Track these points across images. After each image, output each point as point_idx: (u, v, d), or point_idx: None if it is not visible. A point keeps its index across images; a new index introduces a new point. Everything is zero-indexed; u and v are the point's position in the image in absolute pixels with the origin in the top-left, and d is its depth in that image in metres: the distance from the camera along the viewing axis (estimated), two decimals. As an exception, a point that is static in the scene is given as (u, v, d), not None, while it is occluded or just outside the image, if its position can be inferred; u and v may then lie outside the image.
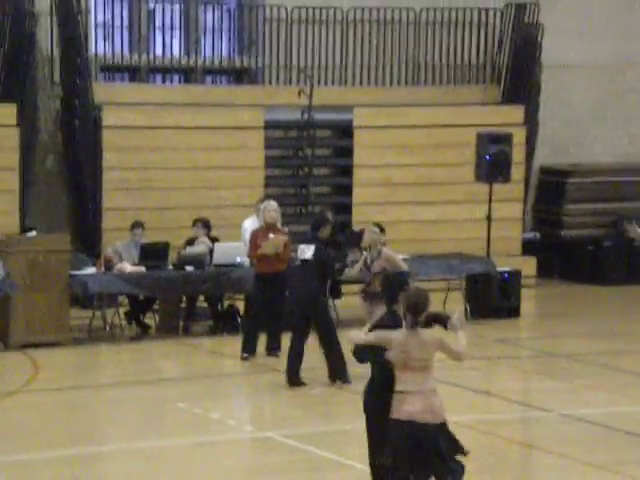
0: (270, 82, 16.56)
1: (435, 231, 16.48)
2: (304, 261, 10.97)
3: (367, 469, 6.84)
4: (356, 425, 8.70)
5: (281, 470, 8.07)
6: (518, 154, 15.83)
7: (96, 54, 15.57)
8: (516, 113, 16.77)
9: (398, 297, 6.65)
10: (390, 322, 6.63)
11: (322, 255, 10.93)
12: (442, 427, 6.59)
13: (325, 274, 11.03)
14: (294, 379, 10.54)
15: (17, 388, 10.52)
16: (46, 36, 15.00)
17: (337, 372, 10.54)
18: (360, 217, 16.15)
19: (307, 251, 10.94)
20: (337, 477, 8.07)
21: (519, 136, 16.07)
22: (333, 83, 16.75)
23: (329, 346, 10.61)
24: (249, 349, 11.88)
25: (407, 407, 6.43)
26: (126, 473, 8.15)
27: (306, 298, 10.80)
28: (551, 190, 17.55)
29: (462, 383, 10.83)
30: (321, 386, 10.60)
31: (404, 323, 6.55)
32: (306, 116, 16.03)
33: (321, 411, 9.95)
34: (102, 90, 15.30)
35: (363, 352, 6.66)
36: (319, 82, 16.46)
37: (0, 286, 11.89)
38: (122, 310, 13.33)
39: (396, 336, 6.48)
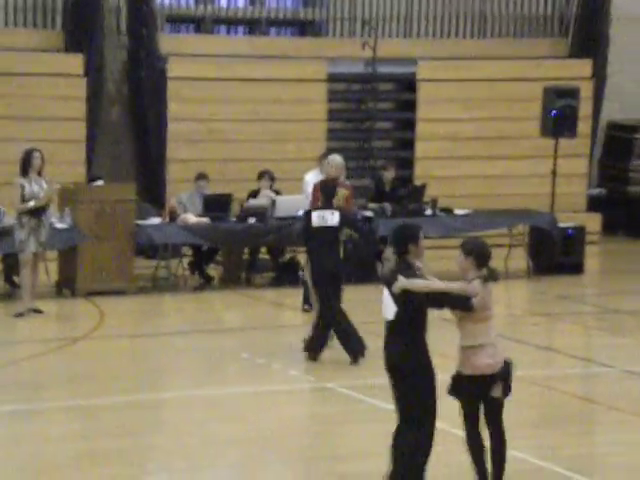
0: (334, 34, 16.47)
1: (499, 186, 16.35)
2: (328, 227, 10.18)
3: (440, 424, 6.83)
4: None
5: (342, 420, 8.15)
6: (585, 109, 15.58)
7: (162, 5, 15.62)
8: (584, 67, 16.49)
9: (409, 248, 6.45)
10: (414, 274, 6.45)
11: (348, 219, 10.42)
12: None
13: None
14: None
15: (83, 335, 10.74)
16: (113, -14, 15.09)
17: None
18: (422, 172, 16.08)
19: (330, 217, 10.19)
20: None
21: (586, 90, 15.81)
22: (397, 35, 16.61)
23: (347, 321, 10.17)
24: (310, 301, 11.95)
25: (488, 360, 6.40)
26: (188, 420, 8.29)
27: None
28: (618, 146, 17.27)
29: (524, 339, 10.81)
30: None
31: (473, 274, 6.43)
32: (369, 69, 15.94)
33: (381, 363, 9.98)
34: (167, 41, 15.36)
35: (451, 298, 6.39)
36: (383, 34, 16.33)
37: (69, 235, 12.09)
38: (185, 260, 13.50)
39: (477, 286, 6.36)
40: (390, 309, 6.49)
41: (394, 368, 6.49)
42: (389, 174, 14.07)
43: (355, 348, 9.77)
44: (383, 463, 6.77)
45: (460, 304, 6.44)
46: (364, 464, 7.23)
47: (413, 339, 6.41)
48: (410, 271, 6.47)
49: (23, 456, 7.34)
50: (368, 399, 8.53)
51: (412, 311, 6.41)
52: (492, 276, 6.46)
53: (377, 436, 7.48)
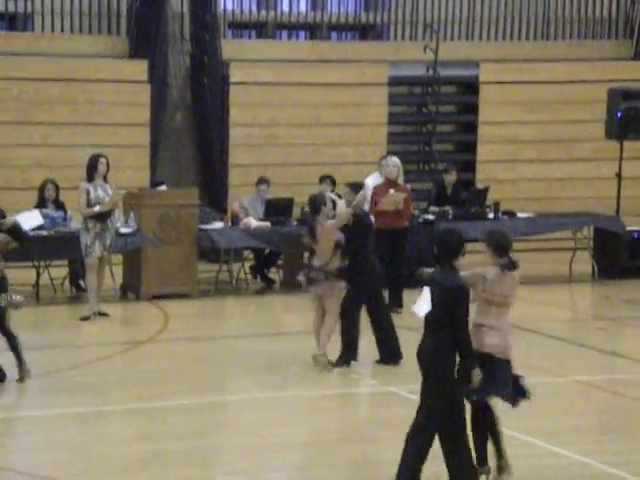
0: (395, 38, 16.48)
1: (562, 189, 16.22)
2: None
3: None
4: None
5: (405, 424, 8.13)
6: (650, 111, 15.36)
7: (225, 10, 15.75)
8: (649, 68, 16.29)
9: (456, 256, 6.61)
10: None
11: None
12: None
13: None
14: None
15: (148, 338, 10.86)
16: (176, -7, 15.25)
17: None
18: (484, 175, 16.00)
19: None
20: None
21: (652, 92, 15.58)
22: (459, 38, 16.55)
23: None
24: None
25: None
26: (251, 422, 8.34)
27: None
28: (685, 148, 16.99)
29: (588, 343, 10.69)
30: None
31: (493, 263, 6.65)
32: (431, 72, 15.90)
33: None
34: (230, 47, 15.49)
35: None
36: (445, 37, 16.28)
37: (133, 239, 12.25)
38: (247, 264, 13.58)
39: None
40: (422, 309, 6.66)
41: (427, 367, 6.62)
42: (451, 177, 14.02)
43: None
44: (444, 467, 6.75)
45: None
46: (426, 467, 7.21)
47: (445, 338, 6.53)
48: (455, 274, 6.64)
49: (89, 458, 7.44)
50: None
51: (450, 316, 6.55)
52: (507, 265, 6.73)
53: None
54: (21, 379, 8.91)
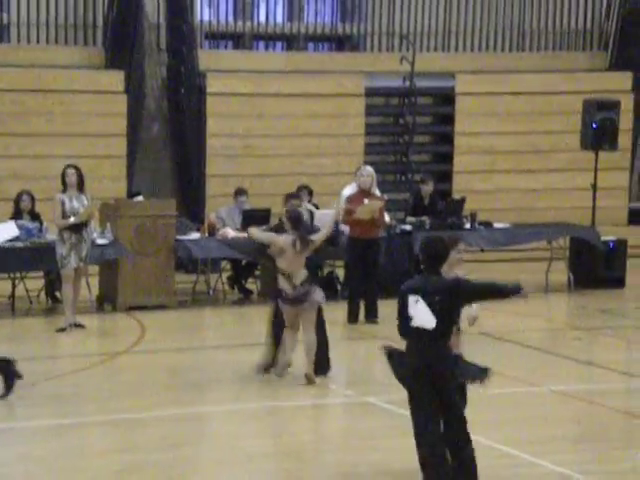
0: (372, 49, 16.54)
1: (539, 200, 16.31)
2: None
3: (473, 436, 6.84)
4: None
5: (382, 435, 8.13)
6: (626, 122, 15.51)
7: (201, 21, 15.76)
8: (624, 80, 16.43)
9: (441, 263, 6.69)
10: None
11: None
12: None
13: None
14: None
15: (124, 349, 10.81)
16: (153, 3, 15.24)
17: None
18: (461, 185, 16.08)
19: None
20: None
21: (627, 103, 15.75)
22: (435, 49, 16.65)
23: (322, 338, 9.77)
24: (351, 318, 11.98)
25: None
26: (228, 433, 8.33)
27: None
28: (659, 159, 17.16)
29: (564, 353, 10.74)
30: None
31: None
32: (407, 83, 15.97)
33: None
34: (206, 57, 15.51)
35: None
36: (421, 48, 16.37)
37: (110, 250, 12.21)
38: (225, 275, 13.56)
39: None
40: (429, 319, 6.55)
41: (441, 375, 6.60)
42: (428, 188, 14.07)
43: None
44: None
45: None
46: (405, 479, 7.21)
47: (448, 346, 6.64)
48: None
49: (65, 470, 7.40)
50: (408, 414, 8.50)
51: (452, 319, 6.64)
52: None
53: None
54: None
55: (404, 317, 6.70)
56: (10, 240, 11.81)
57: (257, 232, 9.91)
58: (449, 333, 6.62)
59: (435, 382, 6.60)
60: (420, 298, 6.59)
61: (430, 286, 6.59)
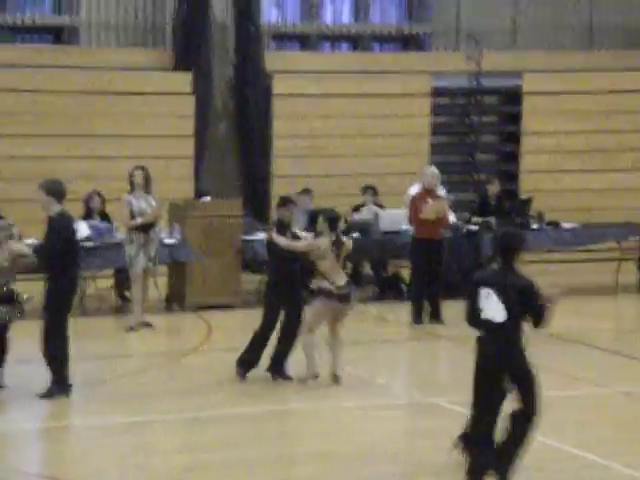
0: (438, 48, 16.47)
1: (606, 199, 16.09)
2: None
3: (541, 438, 6.82)
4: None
5: (446, 435, 8.11)
6: (695, 120, 15.23)
7: (268, 22, 15.85)
8: (695, 78, 16.13)
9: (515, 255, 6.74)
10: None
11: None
12: None
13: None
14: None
15: (192, 348, 10.94)
16: (220, 5, 15.37)
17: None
18: (528, 185, 15.94)
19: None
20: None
21: (697, 102, 15.45)
22: (502, 48, 16.51)
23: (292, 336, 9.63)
24: (416, 318, 11.96)
25: None
26: (292, 432, 8.38)
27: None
28: None
29: (634, 354, 10.60)
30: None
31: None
32: (474, 82, 15.88)
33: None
34: (273, 58, 15.59)
35: None
36: (488, 47, 16.25)
37: (178, 251, 12.34)
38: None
39: None
40: (499, 313, 6.56)
41: (514, 368, 6.65)
42: (494, 187, 13.99)
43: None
44: (491, 478, 6.72)
45: None
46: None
47: (519, 338, 6.67)
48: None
49: (131, 468, 7.52)
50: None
51: (523, 313, 6.67)
52: None
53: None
54: None
55: (474, 308, 6.76)
56: (81, 240, 12.01)
57: (293, 242, 9.62)
58: (519, 327, 6.66)
59: (502, 375, 6.62)
60: (492, 291, 6.64)
61: (504, 280, 6.67)
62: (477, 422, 6.77)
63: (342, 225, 10.20)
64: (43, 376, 8.97)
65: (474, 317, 6.78)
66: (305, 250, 9.49)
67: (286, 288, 9.63)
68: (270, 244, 9.80)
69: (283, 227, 9.68)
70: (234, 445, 7.95)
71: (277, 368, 9.66)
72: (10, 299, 8.94)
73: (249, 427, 8.46)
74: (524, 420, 6.68)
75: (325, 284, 9.41)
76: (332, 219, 9.50)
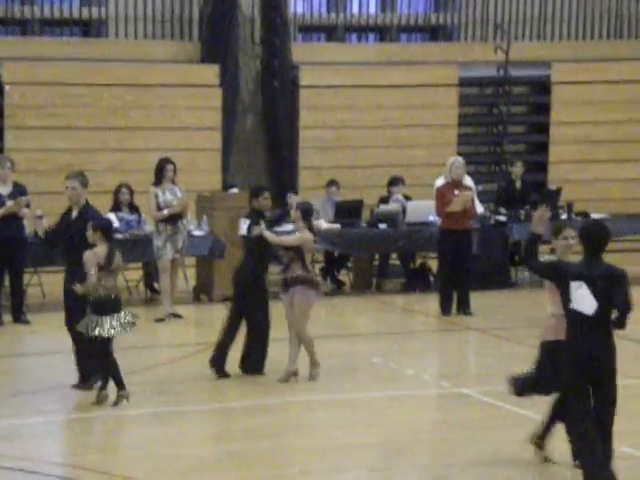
0: (465, 38, 16.40)
1: (634, 189, 15.98)
2: (242, 237, 9.57)
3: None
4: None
5: (478, 426, 8.09)
6: None
7: (295, 14, 15.84)
8: None
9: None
10: None
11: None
12: None
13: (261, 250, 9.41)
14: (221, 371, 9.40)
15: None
16: (247, -3, 15.38)
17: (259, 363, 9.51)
18: (556, 175, 15.85)
19: (243, 226, 9.49)
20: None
21: None
22: (531, 38, 16.42)
23: (260, 336, 9.46)
24: (444, 309, 11.94)
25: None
26: (323, 423, 8.39)
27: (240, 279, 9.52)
28: None
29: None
30: (513, 345, 10.55)
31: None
32: (502, 72, 15.80)
33: (518, 370, 9.86)
34: (300, 50, 15.58)
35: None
36: (516, 37, 16.17)
37: (205, 242, 12.37)
38: (317, 266, 13.62)
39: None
40: (590, 305, 6.59)
41: (604, 363, 6.64)
42: (517, 170, 14.00)
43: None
44: (522, 469, 6.69)
45: None
46: (502, 471, 7.16)
47: (611, 332, 6.66)
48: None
49: (166, 457, 7.54)
50: (505, 405, 8.45)
51: (614, 305, 6.65)
52: None
53: (515, 443, 7.41)
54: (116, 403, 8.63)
55: (565, 299, 6.70)
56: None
57: (281, 237, 9.48)
58: (609, 319, 6.64)
59: (594, 369, 6.61)
60: (584, 284, 6.63)
61: (594, 272, 6.64)
62: (577, 416, 6.63)
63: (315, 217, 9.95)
64: (72, 367, 9.02)
65: (565, 307, 6.70)
66: (296, 244, 9.28)
67: (262, 285, 9.47)
68: (247, 239, 9.49)
69: (260, 217, 9.45)
70: (265, 435, 7.97)
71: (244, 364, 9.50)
72: (117, 307, 8.52)
73: (280, 417, 8.47)
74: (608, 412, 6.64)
75: (312, 275, 9.32)
76: (306, 210, 9.38)
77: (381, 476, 7.30)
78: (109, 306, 8.52)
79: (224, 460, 7.48)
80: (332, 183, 13.82)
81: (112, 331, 8.46)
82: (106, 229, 8.67)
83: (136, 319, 8.70)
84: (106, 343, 8.56)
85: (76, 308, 8.63)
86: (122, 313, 8.57)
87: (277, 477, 7.21)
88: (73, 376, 9.00)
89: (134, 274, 13.07)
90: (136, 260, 12.55)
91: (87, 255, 8.48)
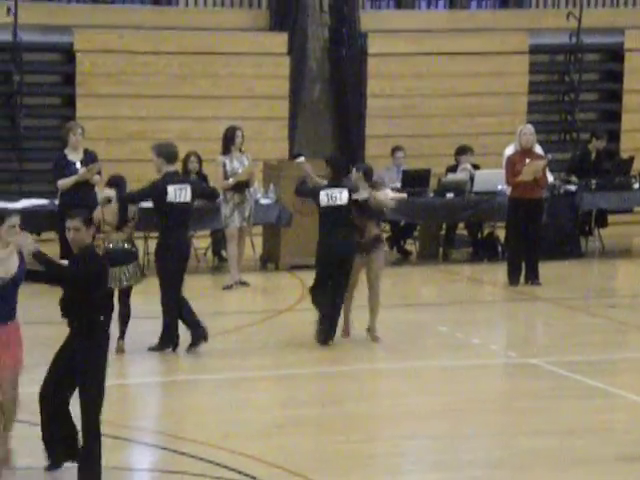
0: (537, 5, 16.13)
1: None
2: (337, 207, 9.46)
3: (637, 398, 6.68)
4: (625, 355, 8.50)
5: (546, 396, 8.04)
6: None
7: (363, -18, 15.72)
8: None
9: None
10: None
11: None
12: None
13: None
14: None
15: (287, 307, 11.02)
16: (315, -35, 15.30)
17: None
18: (629, 144, 15.56)
19: (339, 195, 9.46)
20: (605, 405, 7.94)
21: None
22: (603, 5, 16.08)
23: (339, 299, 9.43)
24: (512, 279, 11.83)
25: None
26: (389, 390, 8.40)
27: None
28: None
29: None
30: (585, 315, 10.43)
31: None
32: (574, 40, 15.51)
33: (587, 340, 9.77)
34: (368, 17, 15.46)
35: None
36: (589, 4, 15.85)
37: (273, 210, 12.40)
38: (384, 235, 13.57)
39: None
40: None
41: None
42: (599, 144, 13.71)
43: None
44: (590, 440, 6.63)
45: None
46: (569, 440, 7.11)
47: None
48: None
49: (232, 422, 7.63)
50: (573, 375, 8.39)
51: None
52: None
53: (583, 413, 7.36)
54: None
55: None
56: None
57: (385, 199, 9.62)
58: None
59: None
60: None
61: None
62: None
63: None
64: (147, 332, 9.16)
65: None
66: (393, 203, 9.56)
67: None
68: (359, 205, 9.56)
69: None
70: (330, 402, 8.01)
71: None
72: (131, 258, 9.03)
73: (346, 385, 8.50)
74: None
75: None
76: (367, 170, 9.46)
77: (446, 444, 7.29)
78: (121, 258, 8.88)
79: (289, 426, 7.54)
80: (398, 148, 13.74)
81: (119, 283, 8.82)
82: (117, 185, 9.11)
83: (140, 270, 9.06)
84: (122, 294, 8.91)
85: None
86: (130, 265, 8.93)
87: (342, 444, 7.25)
88: (149, 341, 9.15)
89: (203, 242, 13.17)
90: (204, 228, 12.64)
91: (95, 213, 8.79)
